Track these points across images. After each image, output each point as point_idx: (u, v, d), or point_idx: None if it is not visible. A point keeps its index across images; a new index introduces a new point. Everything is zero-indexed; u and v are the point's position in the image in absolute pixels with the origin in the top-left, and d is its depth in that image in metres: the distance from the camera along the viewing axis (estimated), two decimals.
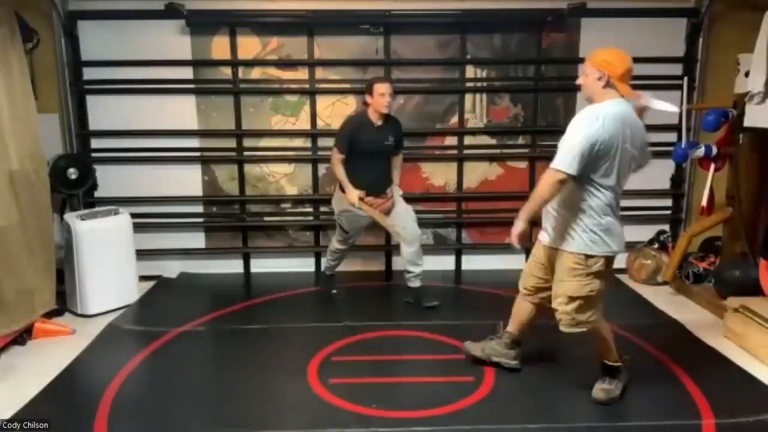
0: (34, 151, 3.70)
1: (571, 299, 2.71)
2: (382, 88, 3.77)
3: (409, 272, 4.13)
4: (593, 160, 2.55)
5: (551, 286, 2.86)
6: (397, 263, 4.95)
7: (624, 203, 5.02)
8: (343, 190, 3.92)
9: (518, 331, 3.11)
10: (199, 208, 4.87)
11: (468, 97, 4.77)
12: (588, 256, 2.66)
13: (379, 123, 3.88)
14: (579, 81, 2.73)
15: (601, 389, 2.84)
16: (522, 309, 3.08)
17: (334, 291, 4.32)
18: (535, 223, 2.81)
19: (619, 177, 2.64)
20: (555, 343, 3.29)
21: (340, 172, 3.90)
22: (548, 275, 2.89)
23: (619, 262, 4.84)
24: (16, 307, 3.43)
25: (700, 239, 4.67)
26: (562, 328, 2.79)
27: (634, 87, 4.67)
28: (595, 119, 2.55)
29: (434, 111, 4.78)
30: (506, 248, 4.89)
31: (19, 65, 3.62)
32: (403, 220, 4.03)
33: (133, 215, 4.31)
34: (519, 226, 2.66)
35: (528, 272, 3.01)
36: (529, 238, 2.92)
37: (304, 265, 4.95)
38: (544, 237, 2.86)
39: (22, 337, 3.54)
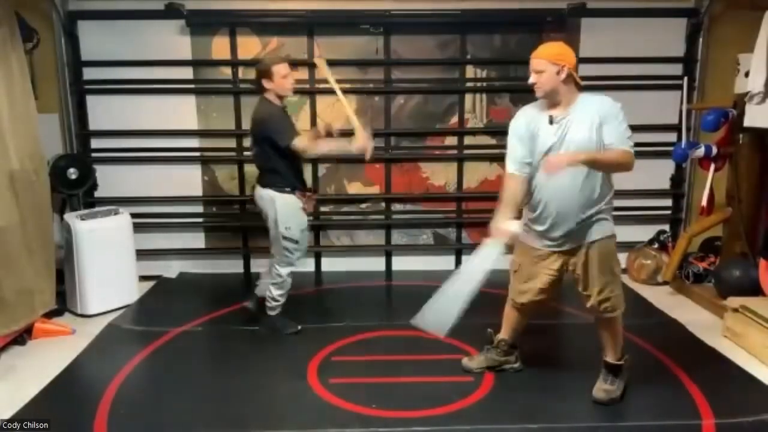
0: (34, 151, 3.70)
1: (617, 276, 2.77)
2: (284, 69, 3.35)
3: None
4: None
5: (547, 297, 2.90)
6: (398, 263, 4.96)
7: (624, 203, 5.06)
8: (292, 191, 3.44)
9: (512, 337, 3.11)
10: (199, 208, 4.87)
11: (468, 97, 4.77)
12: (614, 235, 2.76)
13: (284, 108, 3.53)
14: (532, 80, 2.65)
15: (603, 389, 2.84)
16: (512, 317, 3.08)
17: (299, 327, 3.67)
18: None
19: None
20: (555, 343, 3.29)
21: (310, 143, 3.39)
22: (556, 285, 2.88)
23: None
24: (16, 307, 3.43)
25: (700, 239, 4.67)
26: (611, 315, 2.78)
27: (636, 87, 4.73)
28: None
29: (434, 111, 4.78)
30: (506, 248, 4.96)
31: (19, 65, 3.62)
32: None
33: (133, 215, 4.31)
34: (580, 157, 2.54)
35: (530, 288, 2.91)
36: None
37: (305, 265, 4.94)
38: (562, 241, 2.77)
39: (22, 337, 3.54)
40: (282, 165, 3.39)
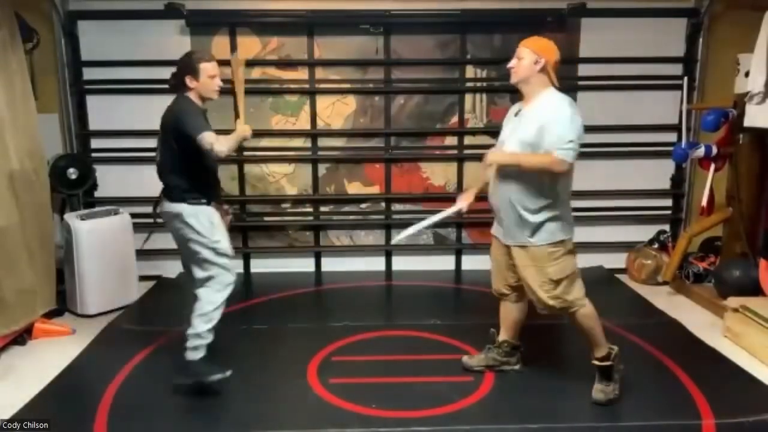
0: (34, 151, 3.70)
1: (557, 282, 2.75)
2: (212, 68, 2.92)
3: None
4: None
5: (515, 285, 2.94)
6: (398, 263, 4.96)
7: (624, 203, 5.06)
8: (206, 202, 2.93)
9: (512, 337, 3.11)
10: None
11: (468, 97, 4.77)
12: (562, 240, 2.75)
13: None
14: (511, 64, 2.76)
15: (600, 390, 2.84)
16: (502, 312, 3.09)
17: (229, 371, 2.95)
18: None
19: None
20: (555, 343, 3.29)
21: (229, 143, 2.82)
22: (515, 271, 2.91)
23: (619, 261, 4.90)
24: (16, 307, 3.43)
25: (700, 239, 4.67)
26: (555, 312, 2.82)
27: (636, 87, 4.73)
28: (574, 106, 2.66)
29: (434, 111, 4.78)
30: None
31: (19, 65, 3.63)
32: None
33: (133, 215, 4.31)
34: (513, 158, 2.69)
35: (495, 274, 3.03)
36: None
37: (304, 265, 4.95)
38: (503, 236, 2.86)
39: (22, 337, 3.54)
40: (195, 171, 2.90)
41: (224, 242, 2.94)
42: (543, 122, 2.63)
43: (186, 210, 2.88)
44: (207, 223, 2.90)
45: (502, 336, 3.12)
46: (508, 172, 2.73)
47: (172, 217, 2.93)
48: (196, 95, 2.93)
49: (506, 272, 2.95)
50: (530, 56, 2.69)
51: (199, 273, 2.96)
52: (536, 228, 2.71)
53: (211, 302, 2.91)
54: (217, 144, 2.73)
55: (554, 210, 2.70)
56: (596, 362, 2.84)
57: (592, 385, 2.86)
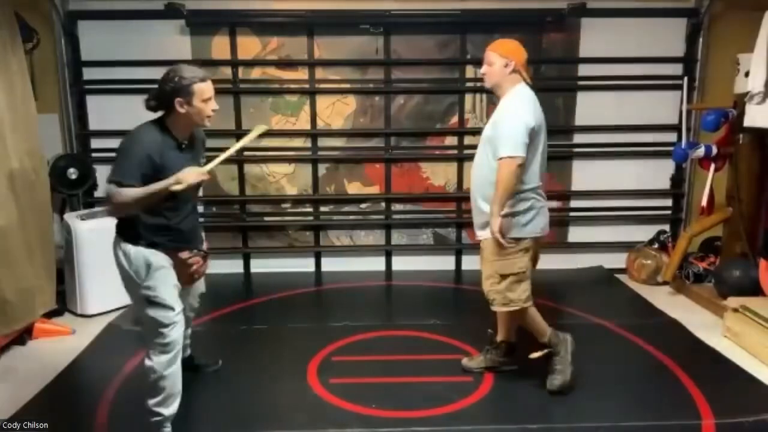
0: (34, 150, 3.70)
1: (503, 277, 2.81)
2: (208, 90, 2.44)
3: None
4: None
5: None
6: (398, 263, 4.96)
7: (624, 203, 5.05)
8: (152, 246, 2.46)
9: (509, 337, 3.10)
10: (199, 208, 4.86)
11: (468, 97, 4.77)
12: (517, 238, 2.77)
13: (185, 142, 2.53)
14: (483, 71, 2.86)
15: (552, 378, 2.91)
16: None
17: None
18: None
19: (543, 158, 2.82)
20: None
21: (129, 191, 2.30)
22: None
23: (619, 261, 4.90)
24: (16, 307, 3.43)
25: (700, 239, 4.67)
26: (494, 308, 2.90)
27: (636, 87, 4.73)
28: (526, 102, 2.72)
29: (434, 111, 4.78)
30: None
31: (19, 65, 3.62)
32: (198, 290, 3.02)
33: None
34: (497, 221, 2.69)
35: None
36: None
37: (304, 265, 4.95)
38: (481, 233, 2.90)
39: (22, 337, 3.54)
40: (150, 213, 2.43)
41: (161, 287, 2.43)
42: (496, 118, 2.77)
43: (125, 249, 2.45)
44: (137, 261, 2.42)
45: (500, 336, 3.12)
46: (475, 164, 2.87)
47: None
48: (180, 122, 2.45)
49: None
50: (499, 60, 2.78)
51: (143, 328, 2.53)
52: (485, 224, 2.78)
53: (150, 368, 2.44)
54: (117, 195, 2.28)
55: (513, 207, 2.74)
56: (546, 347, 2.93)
57: (593, 385, 2.87)
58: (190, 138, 2.55)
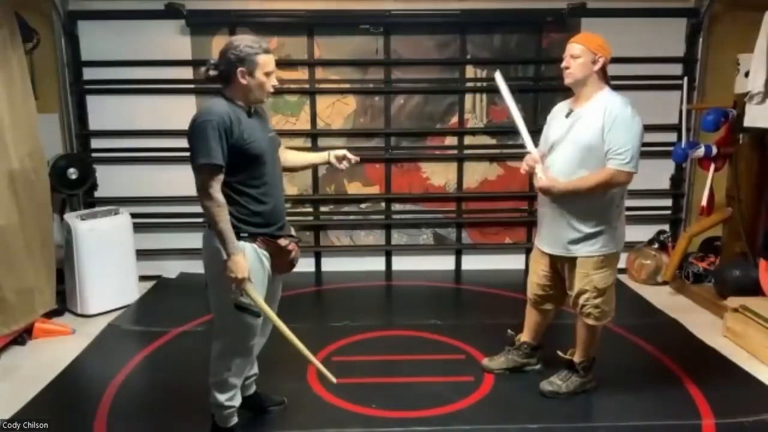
0: (34, 150, 3.70)
1: (601, 291, 2.69)
2: (271, 63, 2.31)
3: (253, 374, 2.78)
4: None
5: (557, 292, 2.88)
6: (398, 263, 4.96)
7: (624, 203, 5.03)
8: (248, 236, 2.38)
9: (534, 339, 3.08)
10: (199, 208, 4.82)
11: (468, 97, 4.76)
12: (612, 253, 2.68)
13: (251, 110, 2.40)
14: (566, 64, 2.60)
15: (553, 383, 2.87)
16: (529, 315, 3.07)
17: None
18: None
19: None
20: (555, 343, 3.29)
21: (223, 213, 2.31)
22: (553, 282, 2.87)
23: (619, 262, 4.88)
24: (16, 307, 3.43)
25: (700, 239, 4.67)
26: (591, 322, 2.76)
27: (636, 87, 4.73)
28: (635, 113, 2.53)
29: (434, 111, 4.77)
30: (506, 248, 4.96)
31: (19, 65, 3.62)
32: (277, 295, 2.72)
33: (133, 215, 4.31)
34: (564, 185, 2.54)
35: (531, 281, 2.99)
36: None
37: (305, 265, 4.94)
38: (547, 246, 2.80)
39: (22, 337, 3.54)
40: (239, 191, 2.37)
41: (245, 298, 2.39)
42: (604, 125, 2.50)
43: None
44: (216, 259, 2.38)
45: (524, 338, 3.10)
46: (559, 174, 2.62)
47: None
48: (241, 94, 2.33)
49: (545, 281, 2.89)
50: (587, 55, 2.53)
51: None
52: (585, 239, 2.64)
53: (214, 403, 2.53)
54: (212, 191, 2.27)
55: (605, 222, 2.61)
56: (582, 358, 2.85)
57: (593, 384, 2.87)
58: (254, 109, 2.42)
